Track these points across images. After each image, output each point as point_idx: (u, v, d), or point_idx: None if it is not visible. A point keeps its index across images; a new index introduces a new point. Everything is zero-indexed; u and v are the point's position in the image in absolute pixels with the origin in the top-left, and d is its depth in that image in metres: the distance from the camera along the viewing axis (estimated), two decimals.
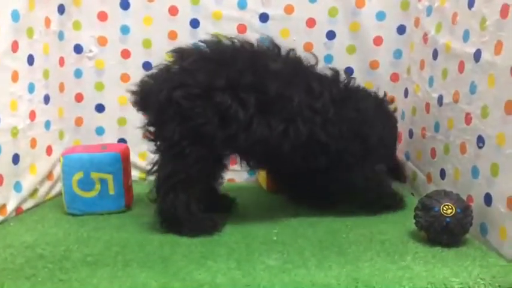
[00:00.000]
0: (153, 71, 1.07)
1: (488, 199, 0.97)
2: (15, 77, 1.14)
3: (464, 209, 0.96)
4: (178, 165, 1.02)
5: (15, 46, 1.14)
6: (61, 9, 1.36)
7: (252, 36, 1.41)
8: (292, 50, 1.10)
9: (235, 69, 1.01)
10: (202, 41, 1.07)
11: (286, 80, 1.03)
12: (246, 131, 1.00)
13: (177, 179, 1.02)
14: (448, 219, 0.94)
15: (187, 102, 0.98)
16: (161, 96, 0.99)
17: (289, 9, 1.43)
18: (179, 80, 1.00)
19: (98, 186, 1.16)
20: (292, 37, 1.43)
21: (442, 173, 1.18)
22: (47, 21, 1.29)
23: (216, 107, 0.99)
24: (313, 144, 1.05)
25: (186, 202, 1.02)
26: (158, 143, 1.06)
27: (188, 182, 1.02)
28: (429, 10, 1.27)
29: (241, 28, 1.44)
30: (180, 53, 1.05)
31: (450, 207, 0.95)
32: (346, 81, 1.14)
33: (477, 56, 1.02)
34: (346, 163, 1.10)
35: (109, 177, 1.16)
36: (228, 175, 1.43)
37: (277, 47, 1.09)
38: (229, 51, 1.05)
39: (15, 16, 1.13)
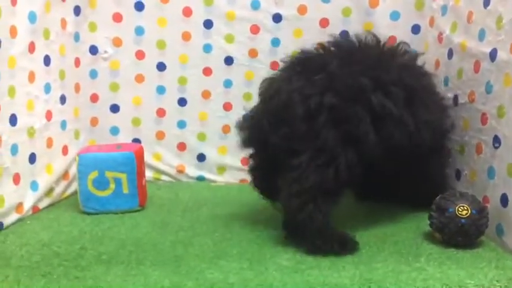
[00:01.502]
0: (272, 84, 1.02)
1: (504, 200, 0.96)
2: (31, 77, 1.16)
3: (480, 210, 0.95)
4: (327, 174, 0.93)
5: (31, 47, 1.16)
6: (77, 10, 1.38)
7: (265, 36, 1.43)
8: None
9: (380, 68, 0.99)
10: (330, 43, 1.05)
11: (419, 72, 1.09)
12: (399, 128, 0.97)
13: (322, 188, 0.93)
14: (463, 221, 0.93)
15: (341, 105, 0.93)
16: (311, 103, 0.93)
17: (302, 10, 1.43)
18: (325, 84, 0.95)
19: (112, 186, 1.18)
20: (305, 37, 1.42)
21: (458, 174, 1.17)
22: (63, 23, 1.31)
23: (368, 107, 0.94)
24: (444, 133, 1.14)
25: (326, 215, 0.94)
26: (301, 151, 0.95)
27: (332, 193, 0.95)
28: (444, 9, 1.26)
29: (255, 28, 1.44)
30: (302, 60, 1.03)
31: (465, 208, 0.94)
32: None
33: (493, 55, 1.01)
34: None
35: (123, 177, 1.18)
36: (240, 175, 1.45)
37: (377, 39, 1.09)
38: (359, 51, 1.04)
39: (32, 17, 1.15)
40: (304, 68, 1.00)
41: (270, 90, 1.02)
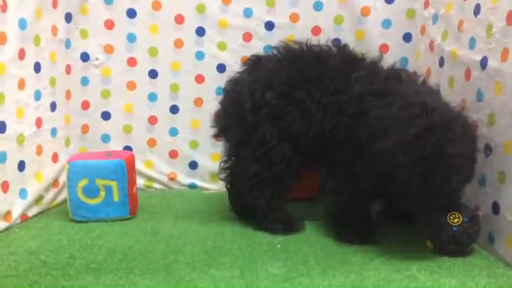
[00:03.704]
0: (233, 76, 1.16)
1: (496, 208, 0.96)
2: (21, 84, 1.15)
3: (471, 218, 0.95)
4: (264, 164, 1.07)
5: (22, 54, 1.15)
6: (68, 17, 1.38)
7: (258, 44, 1.43)
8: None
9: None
10: (274, 47, 1.15)
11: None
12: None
13: (263, 176, 1.08)
14: (454, 228, 0.93)
15: (278, 102, 1.05)
16: (255, 98, 1.06)
17: (294, 18, 1.43)
18: (268, 81, 1.07)
19: (102, 193, 1.16)
20: None
21: None
22: (54, 30, 1.30)
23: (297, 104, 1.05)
24: None
25: (269, 198, 1.09)
26: (242, 143, 1.11)
27: (272, 180, 1.08)
28: (435, 18, 1.27)
29: (247, 36, 1.44)
30: (257, 59, 1.15)
31: (457, 216, 0.94)
32: None
33: (484, 63, 1.02)
34: None
35: (113, 184, 1.17)
36: None
37: None
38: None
39: (23, 24, 1.14)
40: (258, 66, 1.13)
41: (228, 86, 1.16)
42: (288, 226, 1.09)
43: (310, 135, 1.04)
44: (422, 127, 0.88)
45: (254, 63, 1.14)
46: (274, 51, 1.13)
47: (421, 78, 1.08)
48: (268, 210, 1.10)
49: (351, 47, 1.15)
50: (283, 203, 1.13)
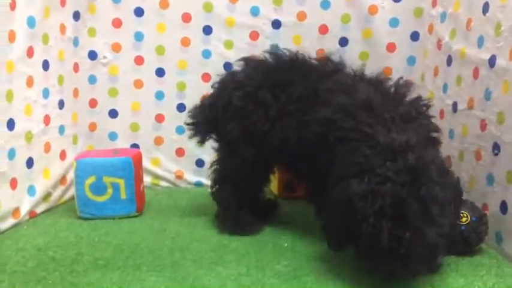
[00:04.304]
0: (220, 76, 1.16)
1: (504, 207, 0.95)
2: (30, 82, 1.16)
3: (479, 218, 0.94)
4: (231, 163, 1.09)
5: (30, 52, 1.15)
6: (76, 16, 1.38)
7: (265, 43, 1.43)
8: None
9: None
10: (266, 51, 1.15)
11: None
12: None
13: (226, 174, 1.11)
14: (462, 228, 0.93)
15: (242, 102, 1.05)
16: (225, 97, 1.08)
17: (301, 16, 1.43)
18: (239, 82, 1.08)
19: (110, 191, 1.17)
20: (304, 44, 1.42)
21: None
22: (62, 28, 1.31)
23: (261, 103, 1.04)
24: None
25: (231, 198, 1.10)
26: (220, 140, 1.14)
27: (237, 180, 1.09)
28: (443, 16, 1.26)
29: (254, 35, 1.44)
30: (244, 61, 1.15)
31: (465, 215, 0.94)
32: None
33: (492, 62, 1.01)
34: None
35: (121, 182, 1.17)
36: None
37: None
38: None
39: (31, 22, 1.15)
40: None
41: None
42: (237, 229, 1.07)
43: (275, 140, 1.00)
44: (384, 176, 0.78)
45: (243, 65, 1.14)
46: (265, 55, 1.12)
47: (411, 96, 0.94)
48: (225, 211, 1.11)
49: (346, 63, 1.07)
50: (250, 204, 1.11)
